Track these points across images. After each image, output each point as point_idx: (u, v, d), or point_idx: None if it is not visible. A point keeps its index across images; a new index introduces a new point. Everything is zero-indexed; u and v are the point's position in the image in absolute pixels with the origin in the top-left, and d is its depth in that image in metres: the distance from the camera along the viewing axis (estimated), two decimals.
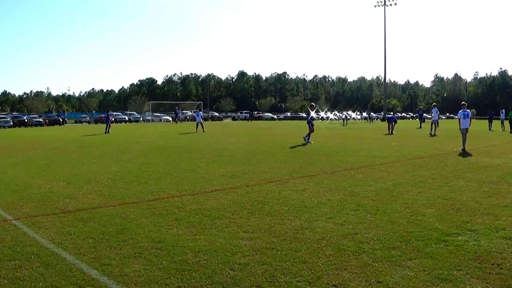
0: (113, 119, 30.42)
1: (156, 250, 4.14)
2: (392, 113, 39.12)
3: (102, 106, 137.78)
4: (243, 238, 4.50)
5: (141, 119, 60.21)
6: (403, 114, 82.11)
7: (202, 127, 26.60)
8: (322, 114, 79.55)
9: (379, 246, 4.19)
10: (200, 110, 28.64)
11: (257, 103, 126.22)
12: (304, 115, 77.44)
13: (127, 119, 57.60)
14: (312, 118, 17.36)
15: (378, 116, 74.35)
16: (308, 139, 16.60)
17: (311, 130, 17.01)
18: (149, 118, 58.71)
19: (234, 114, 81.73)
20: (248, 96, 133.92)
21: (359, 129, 32.08)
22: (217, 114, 77.23)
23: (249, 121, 56.65)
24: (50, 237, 4.55)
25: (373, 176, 8.32)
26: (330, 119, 72.85)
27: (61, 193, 6.82)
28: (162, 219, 5.22)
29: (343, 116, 45.45)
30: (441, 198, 6.29)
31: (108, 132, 26.21)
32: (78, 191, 7.02)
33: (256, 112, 60.39)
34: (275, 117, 76.22)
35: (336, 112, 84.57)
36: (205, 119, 60.40)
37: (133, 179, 8.20)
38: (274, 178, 8.20)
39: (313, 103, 19.11)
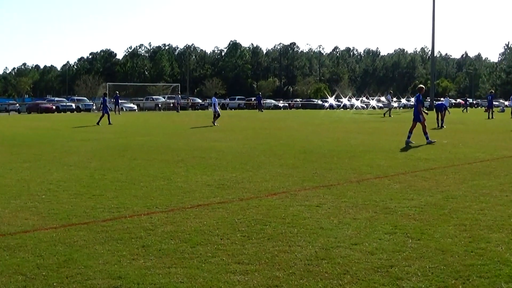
0: (110, 107, 32.10)
1: None
2: (443, 98, 38.31)
3: (37, 88, 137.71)
4: (235, 271, 4.49)
5: (94, 107, 60.08)
6: (458, 100, 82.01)
7: (215, 118, 26.54)
8: (345, 100, 79.78)
9: (425, 285, 4.18)
10: (215, 96, 28.48)
11: (255, 86, 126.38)
12: (319, 102, 77.94)
13: (74, 107, 57.51)
14: (420, 106, 16.00)
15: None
16: (409, 137, 15.60)
17: (422, 124, 15.81)
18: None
19: (223, 101, 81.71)
20: (243, 76, 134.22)
21: (396, 121, 32.14)
22: (200, 100, 77.24)
23: (260, 111, 56.21)
24: None
25: (415, 187, 8.30)
26: (355, 108, 73.14)
27: None
28: (123, 246, 5.20)
29: (387, 103, 42.96)
30: None
31: (109, 123, 27.38)
32: (3, 208, 6.99)
33: (258, 99, 59.76)
34: (280, 105, 76.45)
35: (364, 98, 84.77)
36: (184, 107, 60.52)
37: (83, 190, 8.17)
38: (278, 189, 8.18)
39: (422, 85, 17.49)
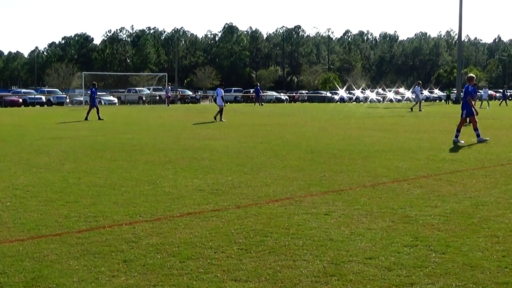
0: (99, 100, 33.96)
1: None
2: (481, 90, 37.69)
3: (0, 79, 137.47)
4: None
5: (67, 100, 60.13)
6: (490, 91, 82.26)
7: (221, 114, 27.21)
8: (358, 92, 79.92)
9: None
10: (221, 87, 28.95)
11: (254, 76, 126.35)
12: (328, 94, 77.91)
13: (44, 99, 57.50)
14: (470, 98, 15.99)
15: None
16: (479, 135, 15.54)
17: (472, 119, 15.87)
18: (81, 98, 58.77)
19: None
20: (240, 65, 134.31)
21: (417, 116, 32.15)
22: (190, 92, 77.28)
23: (257, 104, 56.46)
24: None
25: (439, 192, 8.31)
26: (370, 101, 73.22)
27: None
28: (102, 261, 5.19)
29: (415, 94, 41.69)
30: None
31: (86, 118, 28.15)
32: None
33: (256, 91, 59.63)
34: (283, 97, 76.47)
35: (380, 90, 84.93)
36: (172, 100, 60.55)
37: (55, 196, 8.16)
38: (281, 195, 8.19)
39: (472, 75, 17.52)
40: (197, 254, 5.36)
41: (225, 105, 28.03)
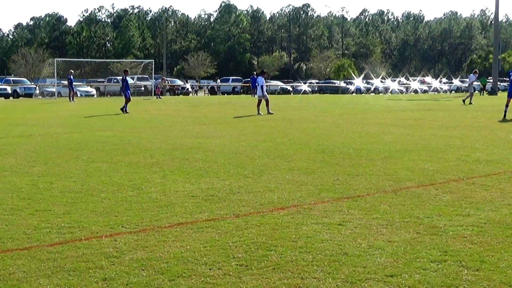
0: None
1: None
2: None
3: None
4: None
5: (37, 90, 60.18)
6: None
7: (267, 105, 28.33)
8: (377, 82, 79.94)
9: None
10: (263, 75, 29.94)
11: (255, 62, 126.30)
12: (342, 84, 77.98)
13: (9, 90, 57.52)
14: None
15: None
16: None
17: None
18: (54, 89, 58.81)
19: (213, 83, 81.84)
20: (239, 50, 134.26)
21: (448, 109, 32.10)
22: (180, 82, 77.32)
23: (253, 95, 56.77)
24: None
25: (472, 198, 8.30)
26: (391, 92, 73.21)
27: None
28: (78, 279, 5.20)
29: (469, 84, 40.21)
30: None
31: (126, 110, 29.98)
32: None
33: (252, 81, 59.80)
34: (289, 88, 76.51)
35: (403, 79, 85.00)
36: (161, 92, 60.67)
37: (23, 204, 8.17)
38: (287, 202, 8.19)
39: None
40: (189, 271, 5.37)
41: (267, 96, 28.89)
